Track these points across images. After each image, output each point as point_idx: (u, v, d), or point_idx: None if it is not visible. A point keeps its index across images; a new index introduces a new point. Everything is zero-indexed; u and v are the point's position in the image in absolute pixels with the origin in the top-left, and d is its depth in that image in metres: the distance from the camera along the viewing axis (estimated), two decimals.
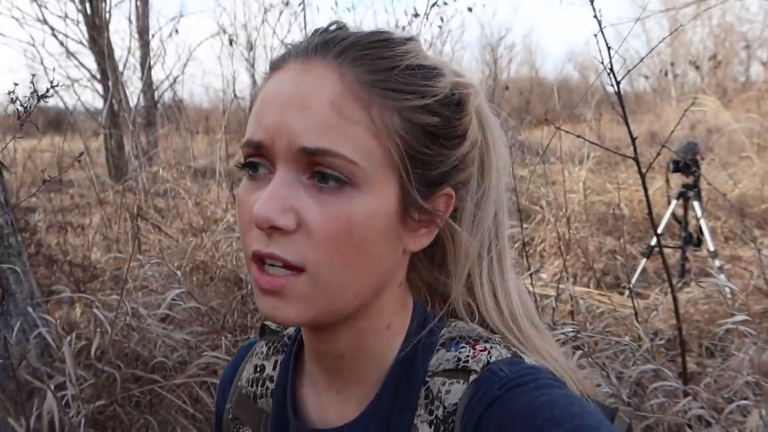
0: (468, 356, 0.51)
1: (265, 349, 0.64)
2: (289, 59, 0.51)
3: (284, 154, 0.47)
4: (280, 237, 0.47)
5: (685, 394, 1.70)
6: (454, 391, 0.50)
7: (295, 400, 0.59)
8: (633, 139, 1.62)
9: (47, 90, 0.94)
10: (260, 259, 0.48)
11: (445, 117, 0.50)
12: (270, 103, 0.49)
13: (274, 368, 0.62)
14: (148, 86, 8.40)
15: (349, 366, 0.55)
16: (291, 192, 0.47)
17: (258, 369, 0.63)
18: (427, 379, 0.52)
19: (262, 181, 0.49)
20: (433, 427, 0.50)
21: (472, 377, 0.50)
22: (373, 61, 0.49)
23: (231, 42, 7.59)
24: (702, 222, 3.48)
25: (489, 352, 0.51)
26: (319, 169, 0.47)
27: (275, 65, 0.52)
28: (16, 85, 0.98)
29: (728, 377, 2.03)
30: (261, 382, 0.62)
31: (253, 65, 8.95)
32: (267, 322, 0.65)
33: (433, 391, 0.51)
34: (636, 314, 2.04)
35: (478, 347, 0.52)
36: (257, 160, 0.50)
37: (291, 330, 0.64)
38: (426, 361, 0.53)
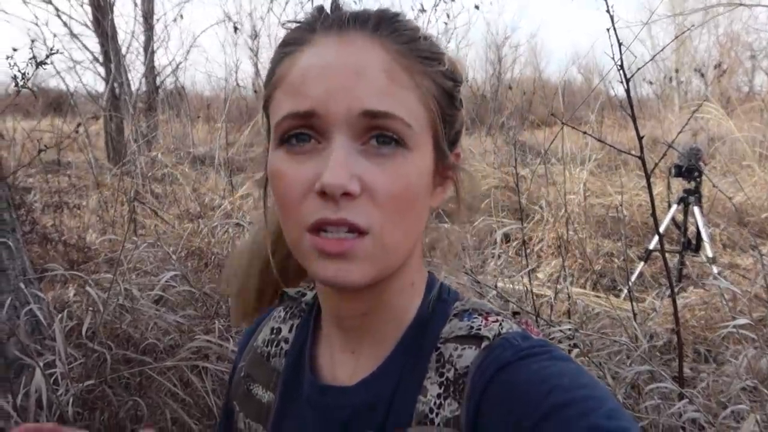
0: (480, 325, 0.54)
1: (282, 314, 0.68)
2: (317, 33, 0.52)
3: (342, 120, 0.48)
4: (347, 203, 0.48)
5: (681, 397, 1.69)
6: (466, 356, 0.52)
7: (311, 361, 0.62)
8: (640, 138, 1.60)
9: (46, 56, 0.92)
10: (318, 228, 0.49)
11: (456, 81, 0.55)
12: (316, 73, 0.50)
13: (289, 331, 0.65)
14: (150, 71, 8.35)
15: (369, 325, 0.58)
16: (352, 158, 0.49)
17: (274, 331, 0.66)
18: (439, 345, 0.54)
19: (310, 153, 0.50)
20: (442, 387, 0.52)
21: (485, 343, 0.52)
22: (403, 33, 0.52)
23: (236, 29, 7.54)
24: (702, 227, 3.47)
25: (501, 324, 0.54)
26: (379, 133, 0.49)
27: (301, 40, 0.53)
28: (15, 50, 0.96)
29: (723, 382, 2.02)
30: (276, 342, 0.65)
31: (256, 54, 8.90)
32: (287, 289, 0.68)
33: (444, 356, 0.53)
34: (635, 315, 2.02)
35: (490, 318, 0.55)
36: (305, 131, 0.50)
37: (309, 297, 0.67)
38: (439, 329, 0.55)
